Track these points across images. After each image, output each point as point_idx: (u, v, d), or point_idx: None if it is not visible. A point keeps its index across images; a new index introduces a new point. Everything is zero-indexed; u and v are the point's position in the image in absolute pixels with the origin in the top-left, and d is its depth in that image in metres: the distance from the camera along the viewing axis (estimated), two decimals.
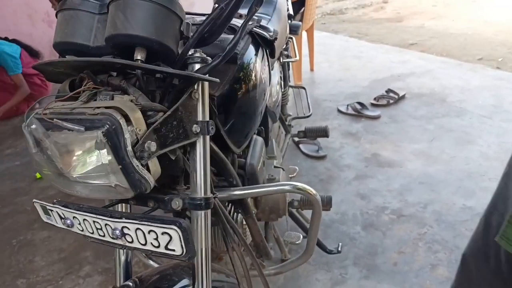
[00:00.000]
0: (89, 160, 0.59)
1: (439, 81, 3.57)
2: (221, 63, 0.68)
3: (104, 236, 0.67)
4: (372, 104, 3.20)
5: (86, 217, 0.67)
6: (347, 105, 3.16)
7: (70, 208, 0.69)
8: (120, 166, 0.59)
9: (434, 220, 1.92)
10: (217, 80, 0.70)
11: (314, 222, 1.05)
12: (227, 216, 0.82)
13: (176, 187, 0.84)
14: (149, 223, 0.62)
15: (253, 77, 0.95)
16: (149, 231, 0.63)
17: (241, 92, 0.92)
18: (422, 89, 3.46)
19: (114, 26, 0.65)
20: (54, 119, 0.59)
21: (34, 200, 0.74)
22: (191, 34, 0.70)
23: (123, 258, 0.85)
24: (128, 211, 0.85)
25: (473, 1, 6.82)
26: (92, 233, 0.69)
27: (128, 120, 0.59)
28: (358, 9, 7.70)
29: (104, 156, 0.58)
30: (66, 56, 0.76)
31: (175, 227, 0.61)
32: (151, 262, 1.23)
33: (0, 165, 2.95)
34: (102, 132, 0.56)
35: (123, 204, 0.81)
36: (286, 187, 0.96)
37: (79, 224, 0.69)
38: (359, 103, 3.14)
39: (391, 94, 3.28)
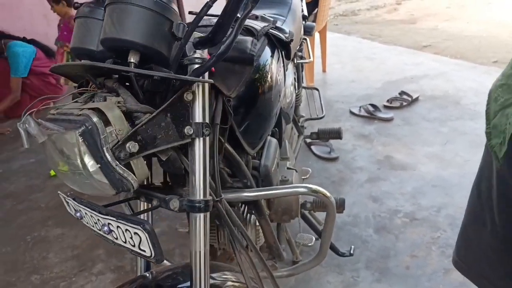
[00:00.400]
0: (72, 158, 0.61)
1: (453, 84, 3.54)
2: (215, 64, 0.67)
3: (100, 230, 0.70)
4: (385, 106, 3.18)
5: (87, 211, 0.71)
6: (360, 107, 3.15)
7: (76, 201, 0.73)
8: (99, 165, 0.61)
9: (448, 224, 1.90)
10: (211, 81, 0.70)
11: (328, 225, 1.05)
12: (234, 218, 0.82)
13: (179, 188, 0.85)
14: (123, 222, 0.65)
15: (268, 78, 0.95)
16: (126, 230, 0.65)
17: (257, 93, 0.92)
18: (435, 91, 3.42)
19: (104, 30, 0.67)
20: (39, 119, 0.63)
21: (58, 191, 0.77)
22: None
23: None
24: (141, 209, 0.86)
25: (489, 3, 6.73)
26: (93, 226, 0.72)
27: (108, 121, 0.60)
28: (371, 11, 7.65)
29: (84, 155, 0.60)
30: (81, 60, 0.79)
31: (141, 229, 0.63)
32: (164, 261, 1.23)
33: (15, 162, 3.00)
34: (78, 132, 0.58)
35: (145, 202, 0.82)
36: (301, 189, 0.96)
37: (84, 217, 0.73)
38: (372, 105, 3.12)
39: (404, 96, 3.25)
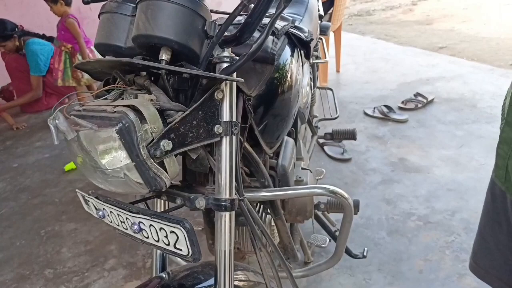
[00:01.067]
0: (107, 155, 0.61)
1: (469, 86, 3.49)
2: (246, 63, 0.67)
3: (127, 229, 0.70)
4: (400, 108, 3.15)
5: (112, 210, 0.70)
6: (374, 108, 3.12)
7: (100, 200, 0.72)
8: (134, 163, 0.60)
9: (462, 229, 1.87)
10: (241, 80, 0.70)
11: (344, 226, 1.04)
12: (256, 217, 0.82)
13: (205, 186, 0.85)
14: (159, 221, 0.64)
15: (288, 78, 0.95)
16: (160, 229, 0.65)
17: (277, 93, 0.92)
18: (451, 94, 3.38)
19: (137, 27, 0.67)
20: (72, 116, 0.62)
21: (76, 189, 0.77)
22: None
23: (159, 253, 0.85)
24: (162, 208, 0.86)
25: (506, 4, 6.62)
26: (118, 225, 0.72)
27: (144, 119, 0.60)
28: (386, 11, 7.59)
29: (119, 152, 0.60)
30: (106, 56, 0.79)
31: (180, 227, 0.62)
32: (178, 259, 1.24)
33: (30, 157, 3.04)
34: (115, 129, 0.58)
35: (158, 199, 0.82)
36: (318, 190, 0.96)
37: (108, 215, 0.72)
38: (386, 106, 3.10)
39: (420, 98, 3.22)
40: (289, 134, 1.18)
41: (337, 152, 2.57)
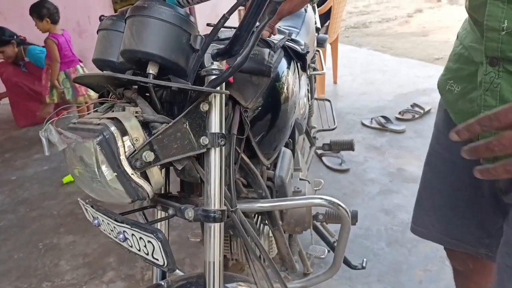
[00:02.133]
0: (91, 166, 0.63)
1: None
2: (232, 75, 0.68)
3: (116, 238, 0.71)
4: (397, 118, 3.17)
5: (104, 219, 0.71)
6: (371, 119, 3.14)
7: (94, 209, 0.74)
8: (115, 174, 0.62)
9: None
10: (227, 92, 0.71)
11: (342, 237, 1.04)
12: (249, 229, 0.82)
13: (194, 197, 0.85)
14: (137, 230, 0.66)
15: (285, 90, 0.96)
16: (140, 238, 0.66)
17: (274, 105, 0.93)
18: None
19: (124, 42, 0.69)
20: (58, 128, 0.65)
21: (78, 198, 0.79)
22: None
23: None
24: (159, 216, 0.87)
25: None
26: (109, 234, 0.73)
27: (126, 131, 0.62)
28: (382, 23, 7.67)
29: (101, 163, 0.61)
30: (103, 71, 0.81)
31: (154, 237, 0.63)
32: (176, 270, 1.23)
33: (29, 169, 3.04)
34: (96, 141, 0.60)
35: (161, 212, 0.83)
36: (316, 201, 0.96)
37: (102, 224, 0.73)
38: (384, 117, 3.12)
39: (416, 109, 3.24)
40: (286, 145, 1.19)
41: (335, 163, 2.58)
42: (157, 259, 0.66)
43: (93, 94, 3.51)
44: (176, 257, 1.74)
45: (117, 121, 0.62)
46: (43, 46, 3.54)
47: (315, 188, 1.77)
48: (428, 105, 3.31)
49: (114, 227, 0.70)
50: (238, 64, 0.67)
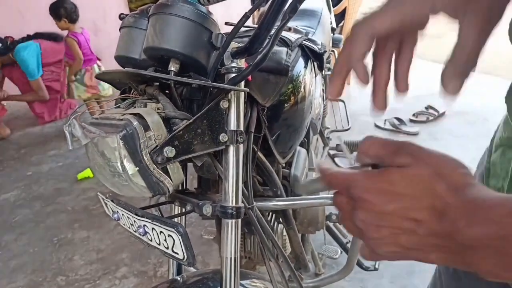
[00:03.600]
0: (113, 161, 0.63)
1: (481, 99, 3.47)
2: (252, 73, 0.69)
3: (135, 232, 0.72)
4: (411, 120, 3.15)
5: (124, 213, 0.72)
6: (385, 120, 3.12)
7: (114, 203, 0.74)
8: (138, 168, 0.63)
9: None
10: (246, 90, 0.72)
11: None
12: (266, 226, 0.83)
13: (212, 194, 0.86)
14: (158, 224, 0.67)
15: (302, 89, 0.96)
16: (160, 232, 0.67)
17: (291, 103, 0.93)
18: (463, 106, 3.36)
19: (147, 40, 0.70)
20: (82, 123, 0.65)
21: (98, 192, 0.80)
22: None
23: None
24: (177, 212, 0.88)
25: None
26: (129, 228, 0.74)
27: (148, 126, 0.63)
28: None
29: (123, 158, 0.62)
30: (125, 68, 0.82)
31: (175, 231, 0.64)
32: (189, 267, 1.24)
33: (44, 165, 3.08)
34: (119, 136, 0.60)
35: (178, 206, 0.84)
36: (330, 200, 0.96)
37: (121, 218, 0.74)
38: (397, 118, 3.09)
39: (431, 111, 3.21)
40: (301, 145, 1.19)
41: (348, 164, 2.56)
42: (177, 253, 0.66)
43: (104, 93, 3.59)
44: None
45: (139, 117, 0.63)
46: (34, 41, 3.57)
47: None
48: (442, 107, 3.27)
49: (134, 221, 0.71)
50: (257, 62, 0.67)
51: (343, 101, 2.39)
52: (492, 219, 0.32)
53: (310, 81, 1.04)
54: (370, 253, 0.41)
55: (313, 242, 1.55)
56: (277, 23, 0.67)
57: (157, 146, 0.63)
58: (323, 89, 1.63)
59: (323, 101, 1.68)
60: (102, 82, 3.64)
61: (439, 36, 6.23)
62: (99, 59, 3.59)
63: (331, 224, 1.54)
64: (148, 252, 1.96)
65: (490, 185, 0.62)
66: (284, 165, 1.07)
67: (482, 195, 0.34)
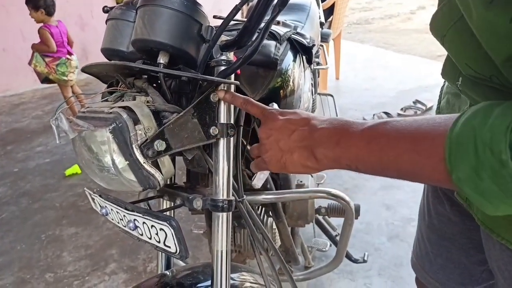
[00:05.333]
0: (101, 155, 0.63)
1: None
2: (242, 66, 0.68)
3: (125, 227, 0.71)
4: (399, 115, 3.18)
5: (113, 207, 0.72)
6: (373, 115, 3.14)
7: (103, 198, 0.73)
8: (127, 162, 0.62)
9: None
10: (237, 82, 0.71)
11: (345, 230, 1.05)
12: (256, 219, 0.83)
13: (202, 188, 0.86)
14: (150, 218, 0.66)
15: (291, 83, 0.96)
16: (152, 226, 0.66)
17: (280, 97, 0.93)
18: None
19: (135, 32, 0.69)
20: (70, 117, 0.64)
21: (85, 188, 0.79)
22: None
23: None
24: (165, 206, 0.87)
25: None
26: (118, 223, 0.73)
27: (138, 120, 0.62)
28: (385, 19, 7.65)
29: (113, 152, 0.61)
30: (112, 61, 0.80)
31: (167, 225, 0.64)
32: (180, 262, 1.24)
33: (31, 161, 3.04)
34: (109, 129, 0.60)
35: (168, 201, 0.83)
36: (319, 193, 0.97)
37: (110, 213, 0.74)
38: (386, 113, 3.12)
39: (419, 105, 3.24)
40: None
41: None
42: (169, 247, 0.66)
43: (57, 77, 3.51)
44: None
45: (129, 110, 0.62)
46: None
47: (318, 182, 1.78)
48: (430, 101, 3.31)
49: (124, 215, 0.70)
50: (248, 55, 0.67)
51: (332, 96, 2.40)
52: (332, 123, 0.54)
53: (299, 75, 1.04)
54: (261, 164, 0.66)
55: (303, 235, 1.56)
56: (267, 17, 0.67)
57: (147, 139, 0.63)
58: (312, 84, 1.63)
59: (312, 95, 1.68)
60: (60, 70, 3.60)
61: (427, 31, 6.25)
62: (70, 54, 3.56)
63: (320, 217, 1.55)
64: (137, 248, 1.95)
65: None
66: None
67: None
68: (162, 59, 0.68)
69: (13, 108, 4.03)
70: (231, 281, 0.81)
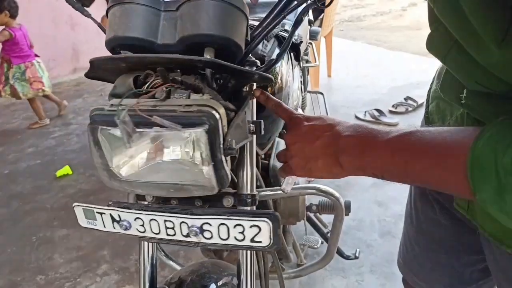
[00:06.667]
0: (182, 156, 0.60)
1: None
2: (277, 63, 0.73)
3: (174, 235, 0.67)
4: (391, 111, 3.19)
5: (156, 217, 0.66)
6: (365, 112, 3.15)
7: (132, 209, 0.67)
8: (213, 163, 0.59)
9: None
10: (272, 78, 0.73)
11: (336, 226, 1.05)
12: None
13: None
14: (237, 218, 0.63)
15: (279, 80, 0.96)
16: (235, 225, 0.63)
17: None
18: None
19: (189, 26, 0.65)
20: (154, 116, 0.57)
21: (75, 203, 0.71)
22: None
23: (148, 267, 0.82)
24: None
25: None
26: (158, 233, 0.68)
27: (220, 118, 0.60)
28: (376, 17, 7.68)
29: (201, 152, 0.59)
30: (121, 51, 0.69)
31: (267, 219, 0.62)
32: (171, 263, 1.24)
33: (22, 163, 3.02)
34: (204, 129, 0.57)
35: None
36: (310, 190, 0.97)
37: (142, 225, 0.68)
38: (377, 109, 3.13)
39: (410, 102, 3.26)
40: (280, 136, 1.19)
41: None
42: (260, 241, 0.63)
43: (48, 90, 3.57)
44: (171, 249, 1.74)
45: (212, 109, 0.59)
46: None
47: (309, 180, 1.78)
48: (421, 98, 3.32)
49: (181, 222, 0.65)
50: (280, 52, 0.72)
51: (322, 93, 2.40)
52: (357, 130, 0.54)
53: (287, 71, 1.04)
54: (288, 169, 0.65)
55: (294, 233, 1.56)
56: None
57: (225, 138, 0.61)
58: (301, 81, 1.63)
59: (302, 93, 1.68)
60: (46, 77, 3.56)
61: (419, 28, 6.30)
62: (37, 56, 3.54)
63: (311, 215, 1.55)
64: (129, 248, 1.94)
65: None
66: (263, 156, 1.07)
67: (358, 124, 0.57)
68: (208, 55, 0.65)
69: (3, 109, 3.98)
70: (221, 281, 0.81)
